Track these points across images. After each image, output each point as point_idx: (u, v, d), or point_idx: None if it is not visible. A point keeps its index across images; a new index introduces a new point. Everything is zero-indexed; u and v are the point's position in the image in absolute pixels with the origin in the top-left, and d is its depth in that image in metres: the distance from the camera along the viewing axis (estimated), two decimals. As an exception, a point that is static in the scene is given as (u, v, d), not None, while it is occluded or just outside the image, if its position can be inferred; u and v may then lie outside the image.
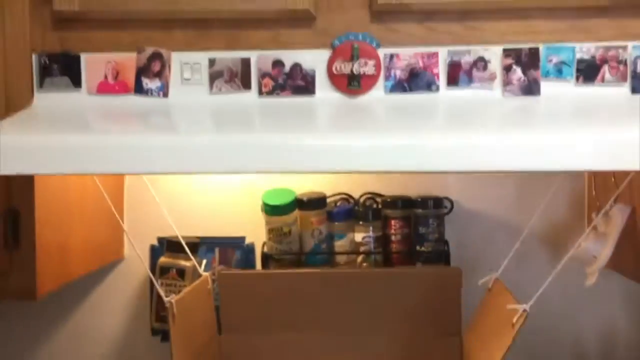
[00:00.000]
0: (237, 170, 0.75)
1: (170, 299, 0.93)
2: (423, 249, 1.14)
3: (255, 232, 1.20)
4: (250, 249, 1.22)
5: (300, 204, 1.14)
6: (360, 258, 1.15)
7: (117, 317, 1.24)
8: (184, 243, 1.12)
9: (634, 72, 0.86)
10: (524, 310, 0.87)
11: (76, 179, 1.03)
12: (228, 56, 0.89)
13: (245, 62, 0.89)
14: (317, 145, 0.75)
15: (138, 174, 1.10)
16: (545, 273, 0.89)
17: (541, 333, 1.19)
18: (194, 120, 0.86)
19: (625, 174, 0.92)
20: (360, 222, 1.15)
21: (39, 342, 1.25)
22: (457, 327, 1.09)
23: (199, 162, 0.75)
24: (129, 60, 0.89)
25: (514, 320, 0.87)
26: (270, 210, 1.13)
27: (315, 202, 1.15)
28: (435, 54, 0.87)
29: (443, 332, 1.09)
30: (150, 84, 0.89)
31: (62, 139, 0.78)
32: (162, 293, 0.96)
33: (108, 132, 0.84)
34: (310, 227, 1.15)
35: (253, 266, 1.21)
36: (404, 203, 1.15)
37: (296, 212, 1.15)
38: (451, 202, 1.17)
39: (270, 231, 1.15)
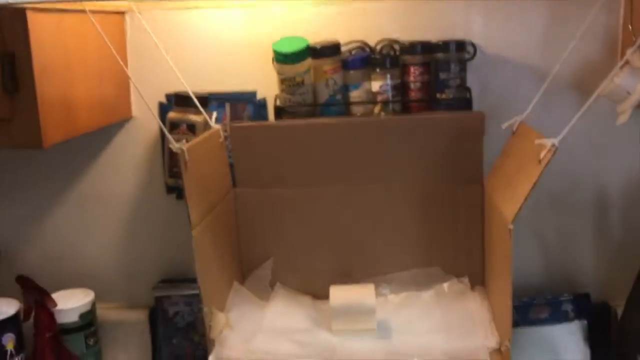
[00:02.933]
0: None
1: (181, 146, 0.89)
2: (444, 96, 1.08)
3: (267, 87, 1.15)
4: (262, 104, 1.17)
5: (313, 51, 1.08)
6: (377, 108, 1.10)
7: (130, 177, 1.22)
8: (193, 96, 1.07)
9: None
10: (553, 145, 0.82)
11: (73, 29, 0.97)
12: None
13: None
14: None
15: None
16: (573, 117, 0.83)
17: (566, 178, 1.15)
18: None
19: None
20: (377, 70, 1.08)
21: (52, 205, 1.24)
22: (478, 175, 1.06)
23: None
24: None
25: (542, 156, 0.83)
26: (282, 58, 1.06)
27: (328, 49, 1.08)
28: None
29: (464, 180, 1.06)
30: None
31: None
32: (172, 141, 0.92)
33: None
34: (324, 77, 1.09)
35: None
36: (424, 48, 1.08)
37: (309, 61, 1.08)
38: (474, 46, 1.10)
39: (282, 82, 1.09)
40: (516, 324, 1.12)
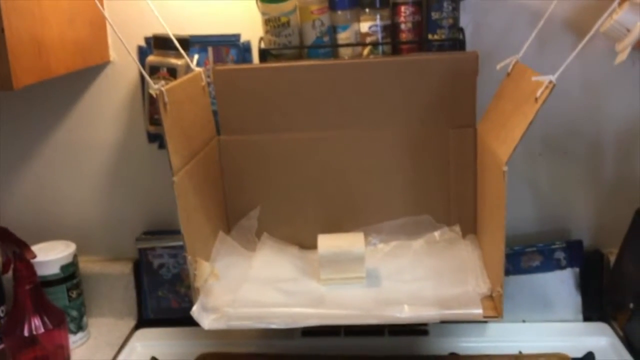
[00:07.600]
0: None
1: (159, 87, 0.85)
2: (436, 36, 1.03)
3: (252, 31, 1.10)
4: (247, 47, 1.12)
5: (298, -11, 1.03)
6: (366, 51, 1.05)
7: (110, 124, 1.17)
8: (174, 38, 1.01)
9: None
10: (550, 82, 0.79)
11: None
12: None
13: None
14: None
15: None
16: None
17: (560, 123, 1.12)
18: None
19: None
20: (366, 10, 1.04)
21: (29, 154, 1.20)
22: (471, 118, 1.02)
23: None
24: None
25: (538, 94, 0.79)
26: (266, -4, 1.01)
27: (315, -13, 1.03)
28: None
29: (456, 124, 1.03)
30: None
31: None
32: (151, 83, 0.87)
33: None
34: (310, 18, 1.04)
35: (250, 66, 1.12)
36: (415, -14, 1.03)
37: (294, 0, 1.03)
38: (467, -16, 1.05)
39: (266, 22, 1.04)
40: (507, 272, 1.11)
